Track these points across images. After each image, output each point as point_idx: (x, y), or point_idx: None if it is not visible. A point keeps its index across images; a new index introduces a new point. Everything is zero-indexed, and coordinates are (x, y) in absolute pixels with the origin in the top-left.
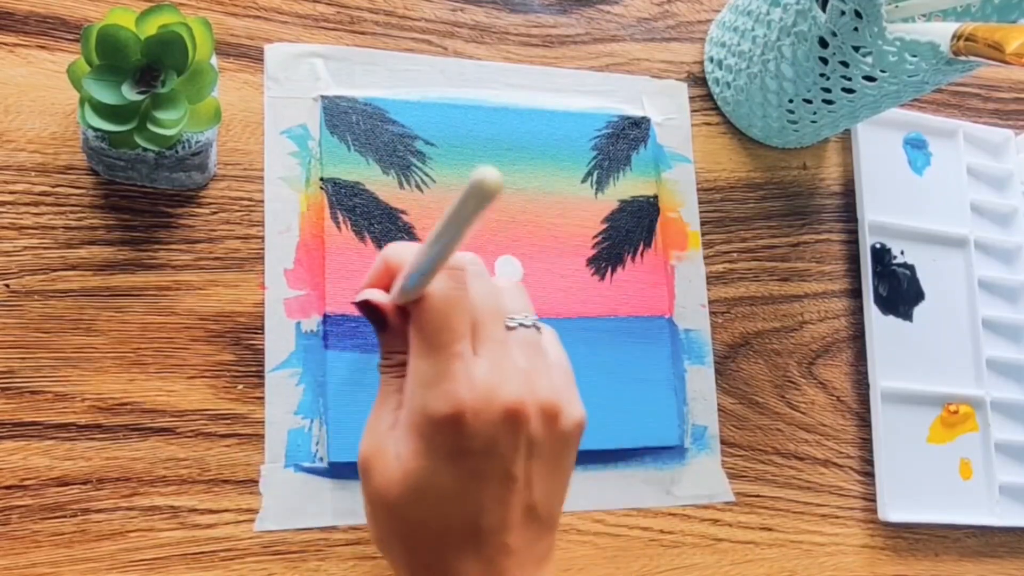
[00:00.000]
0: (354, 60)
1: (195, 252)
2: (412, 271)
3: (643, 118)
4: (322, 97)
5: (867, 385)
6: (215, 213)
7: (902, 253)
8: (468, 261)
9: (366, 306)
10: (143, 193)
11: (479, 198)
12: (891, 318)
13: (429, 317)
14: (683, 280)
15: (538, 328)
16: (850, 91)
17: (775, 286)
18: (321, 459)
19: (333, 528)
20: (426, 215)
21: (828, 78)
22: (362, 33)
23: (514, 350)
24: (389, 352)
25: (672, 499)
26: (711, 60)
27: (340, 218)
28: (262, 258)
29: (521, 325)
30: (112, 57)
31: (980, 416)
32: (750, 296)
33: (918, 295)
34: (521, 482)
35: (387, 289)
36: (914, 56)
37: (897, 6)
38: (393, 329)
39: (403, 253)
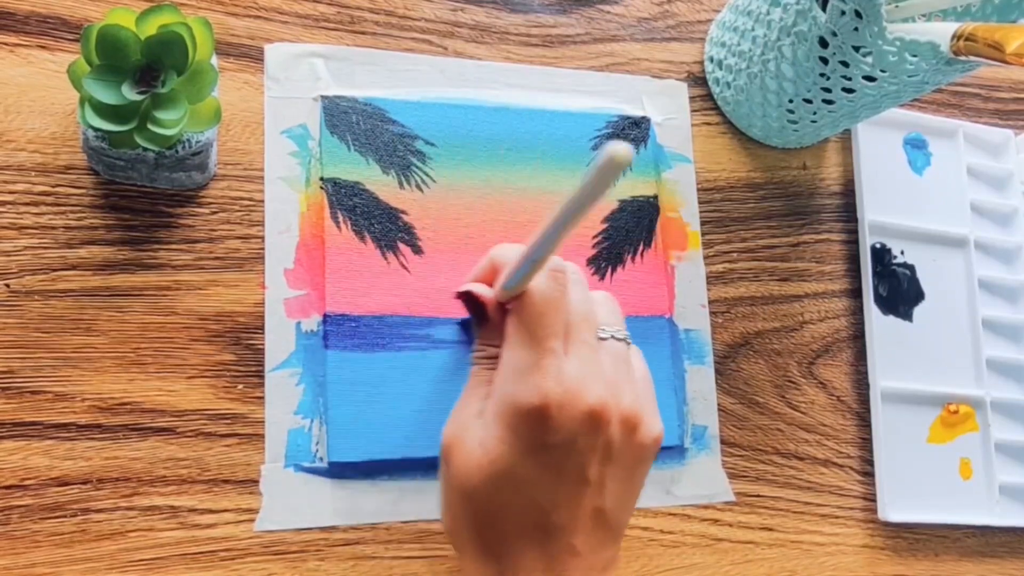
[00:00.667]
0: (354, 60)
1: (195, 252)
2: (518, 266)
3: (643, 118)
4: (322, 97)
5: (867, 385)
6: (215, 213)
7: (902, 253)
8: (571, 269)
9: (468, 298)
10: (143, 193)
11: (610, 169)
12: (891, 318)
13: (528, 311)
14: (683, 280)
15: (628, 343)
16: (850, 91)
17: (775, 286)
18: (321, 459)
19: (333, 528)
20: (426, 215)
21: (828, 78)
22: (362, 33)
23: (604, 358)
24: (484, 344)
25: (672, 499)
26: (711, 60)
27: (340, 218)
28: (262, 258)
29: (613, 337)
30: (112, 57)
31: (980, 416)
32: (750, 296)
33: (918, 295)
34: (594, 485)
35: (491, 285)
36: (914, 56)
37: (897, 6)
38: (491, 322)
39: (508, 254)
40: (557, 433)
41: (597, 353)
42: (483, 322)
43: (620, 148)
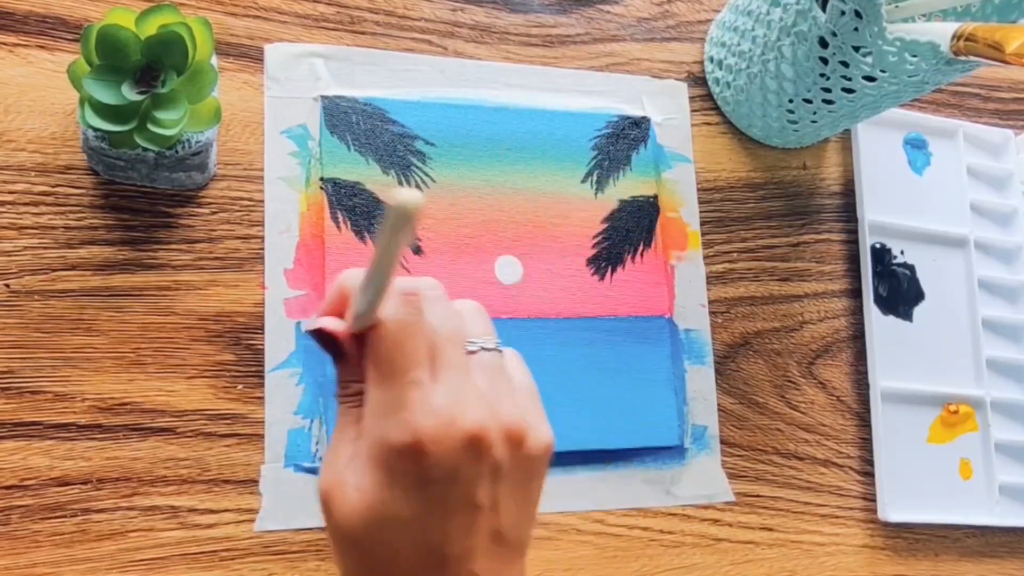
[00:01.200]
0: (354, 60)
1: (195, 252)
2: (355, 296)
3: (643, 118)
4: (322, 97)
5: (867, 385)
6: (215, 213)
7: (902, 253)
8: (425, 286)
9: (320, 334)
10: (143, 193)
11: (399, 220)
12: (891, 318)
13: (383, 344)
14: (683, 280)
15: (500, 351)
16: (850, 91)
17: (775, 286)
18: (321, 459)
19: None
20: (426, 215)
21: (828, 78)
22: (362, 33)
23: (475, 374)
24: (346, 381)
25: (672, 499)
26: (711, 60)
27: (340, 218)
28: (262, 258)
29: (483, 348)
30: (112, 57)
31: (980, 416)
32: (750, 296)
33: (918, 295)
34: (486, 508)
35: (343, 317)
36: (914, 56)
37: (897, 6)
38: (349, 358)
39: (358, 279)
40: (437, 468)
41: (468, 372)
42: (340, 358)
43: (407, 195)
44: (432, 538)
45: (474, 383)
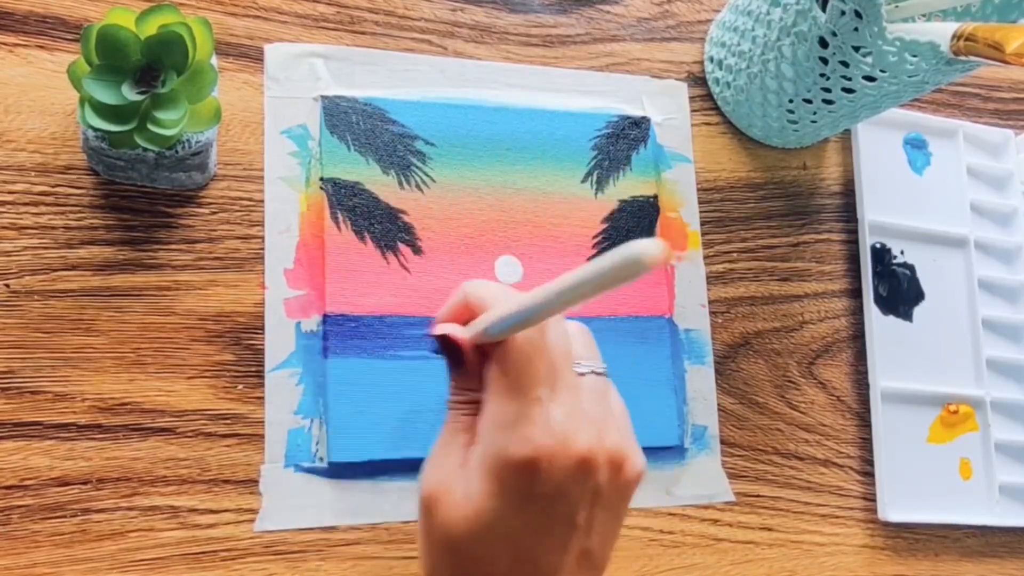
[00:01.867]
0: (354, 60)
1: (195, 252)
2: (508, 317)
3: (643, 118)
4: (322, 97)
5: (867, 385)
6: (215, 213)
7: (902, 253)
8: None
9: (445, 341)
10: (143, 193)
11: (631, 271)
12: (891, 318)
13: (513, 360)
14: (683, 280)
15: (606, 377)
16: (850, 91)
17: (775, 286)
18: (321, 459)
19: (333, 528)
20: (426, 215)
21: (828, 78)
22: (362, 33)
23: (585, 397)
24: (461, 389)
25: (672, 499)
26: (711, 60)
27: (340, 218)
28: (262, 258)
29: (592, 372)
30: (112, 57)
31: (980, 416)
32: (750, 296)
33: (918, 295)
34: (582, 528)
35: (462, 324)
36: (914, 56)
37: (897, 6)
38: (469, 367)
39: (485, 292)
40: (547, 484)
41: (580, 395)
42: (459, 367)
43: (650, 248)
44: (529, 551)
45: (584, 406)
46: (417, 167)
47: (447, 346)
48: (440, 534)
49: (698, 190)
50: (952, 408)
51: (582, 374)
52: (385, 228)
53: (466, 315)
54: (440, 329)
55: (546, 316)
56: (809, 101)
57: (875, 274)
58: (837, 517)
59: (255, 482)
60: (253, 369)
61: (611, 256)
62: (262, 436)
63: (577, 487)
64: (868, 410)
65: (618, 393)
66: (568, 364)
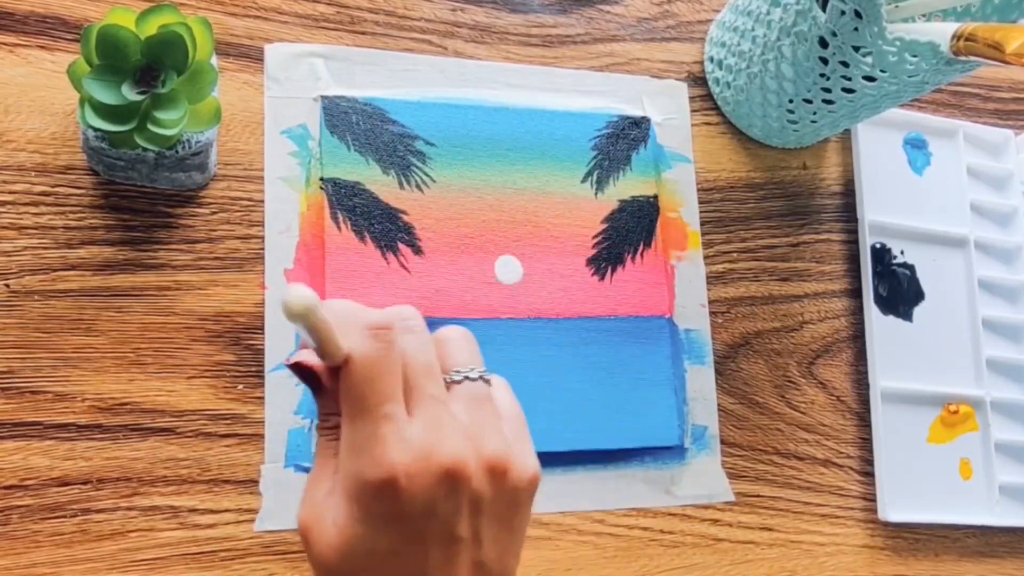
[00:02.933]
0: (354, 60)
1: (195, 252)
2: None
3: (643, 118)
4: (322, 97)
5: (867, 385)
6: (215, 213)
7: (902, 253)
8: (399, 317)
9: (298, 368)
10: (143, 193)
11: (290, 317)
12: (891, 318)
13: (353, 380)
14: (683, 280)
15: (486, 380)
16: (850, 91)
17: (775, 286)
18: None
19: None
20: (426, 215)
21: (828, 78)
22: (362, 33)
23: (455, 405)
24: (326, 414)
25: (672, 499)
26: (711, 60)
27: (340, 218)
28: (262, 258)
29: (466, 378)
30: (112, 57)
31: (980, 416)
32: (750, 296)
33: (918, 295)
34: (467, 541)
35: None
36: (914, 56)
37: (897, 6)
38: (328, 391)
39: (329, 311)
40: (412, 503)
41: (446, 405)
42: (319, 391)
43: (292, 295)
44: (411, 571)
45: (453, 415)
46: (417, 167)
47: (301, 373)
48: (318, 563)
49: (698, 190)
50: (952, 408)
51: (456, 382)
52: (385, 228)
53: None
54: (292, 356)
55: (315, 342)
56: (809, 101)
57: (875, 274)
58: (837, 517)
59: (255, 482)
60: (253, 369)
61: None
62: (262, 436)
63: (447, 501)
64: (868, 410)
65: (511, 395)
66: (428, 374)
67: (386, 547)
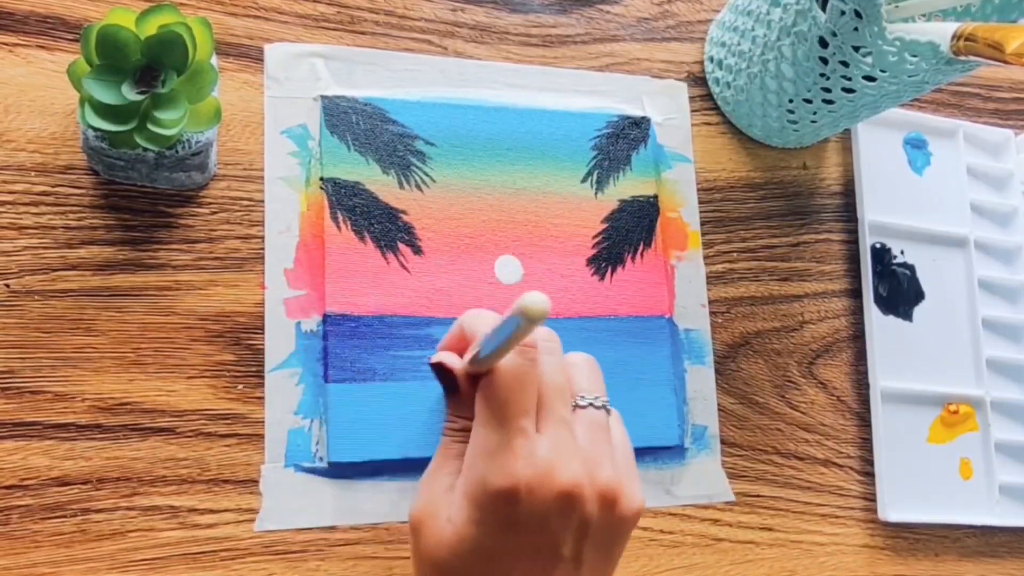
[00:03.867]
0: (354, 60)
1: (195, 252)
2: (484, 345)
3: (643, 118)
4: (322, 97)
5: (867, 385)
6: (215, 213)
7: (902, 253)
8: (541, 337)
9: (439, 368)
10: (143, 193)
11: (525, 322)
12: (891, 318)
13: (496, 390)
14: (683, 280)
15: (608, 410)
16: (850, 91)
17: (775, 286)
18: (321, 459)
19: (333, 528)
20: (426, 215)
21: (828, 78)
22: (362, 33)
23: (579, 430)
24: (455, 416)
25: (672, 499)
26: (711, 60)
27: (340, 218)
28: (262, 258)
29: (591, 405)
30: (112, 57)
31: (980, 416)
32: (750, 296)
33: (918, 295)
34: (568, 560)
35: (460, 353)
36: (914, 56)
37: (897, 6)
38: (462, 395)
39: (479, 322)
40: (527, 515)
41: (571, 428)
42: (453, 393)
43: (531, 301)
44: None
45: (576, 439)
46: (417, 167)
47: (441, 373)
48: (426, 556)
49: (698, 190)
50: (952, 408)
51: (580, 407)
52: (385, 228)
53: (464, 344)
54: (436, 357)
55: (496, 354)
56: (809, 101)
57: (875, 274)
58: (837, 517)
59: (255, 482)
60: (253, 369)
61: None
62: (262, 436)
63: (560, 519)
64: (868, 410)
65: (624, 429)
66: (561, 396)
67: (494, 552)
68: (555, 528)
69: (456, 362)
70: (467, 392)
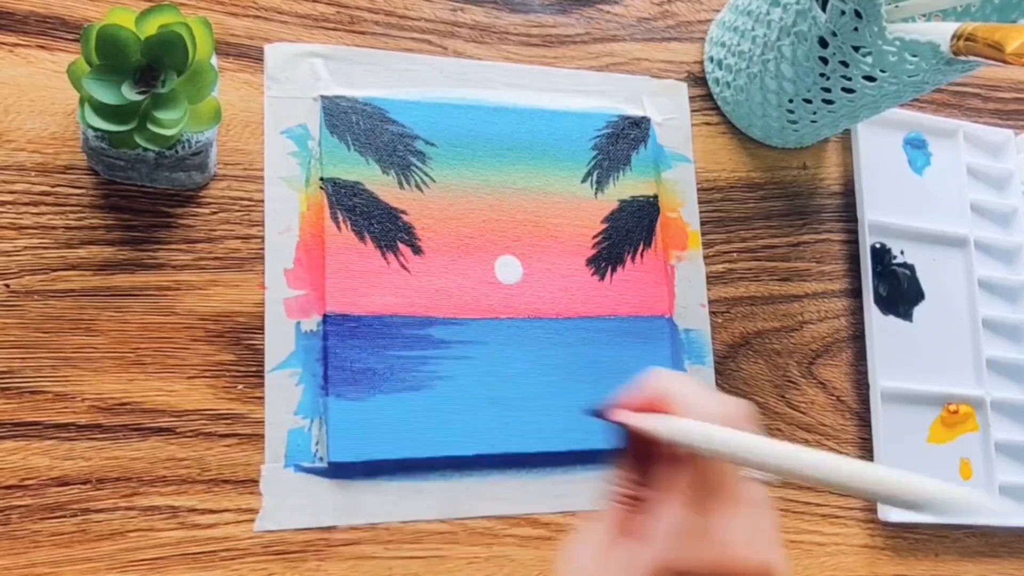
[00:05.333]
0: (354, 60)
1: (195, 252)
2: (723, 451)
3: (643, 118)
4: (322, 97)
5: (867, 385)
6: (215, 213)
7: (902, 253)
8: (742, 415)
9: (630, 431)
10: (143, 193)
11: (909, 505)
12: (891, 318)
13: (711, 475)
14: (683, 280)
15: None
16: (850, 91)
17: (775, 286)
18: (321, 459)
19: (333, 528)
20: (426, 215)
21: (828, 78)
22: (362, 33)
23: (760, 511)
24: (627, 480)
25: None
26: (711, 60)
27: (340, 218)
28: (262, 258)
29: (756, 479)
30: (112, 57)
31: (980, 416)
32: (750, 296)
33: (918, 295)
34: None
35: (639, 409)
36: (914, 56)
37: (897, 6)
38: (631, 459)
39: (675, 389)
40: None
41: (758, 509)
42: (627, 453)
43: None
44: None
45: (759, 521)
46: (417, 167)
47: (624, 435)
48: None
49: (698, 190)
50: (952, 408)
51: (753, 480)
52: (385, 228)
53: (650, 406)
54: (630, 420)
55: (769, 470)
56: (809, 101)
57: (875, 274)
58: (837, 517)
59: (255, 482)
60: (253, 369)
61: (889, 483)
62: (262, 436)
63: None
64: (868, 410)
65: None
66: (743, 472)
67: None
68: None
69: (644, 424)
70: (643, 457)
